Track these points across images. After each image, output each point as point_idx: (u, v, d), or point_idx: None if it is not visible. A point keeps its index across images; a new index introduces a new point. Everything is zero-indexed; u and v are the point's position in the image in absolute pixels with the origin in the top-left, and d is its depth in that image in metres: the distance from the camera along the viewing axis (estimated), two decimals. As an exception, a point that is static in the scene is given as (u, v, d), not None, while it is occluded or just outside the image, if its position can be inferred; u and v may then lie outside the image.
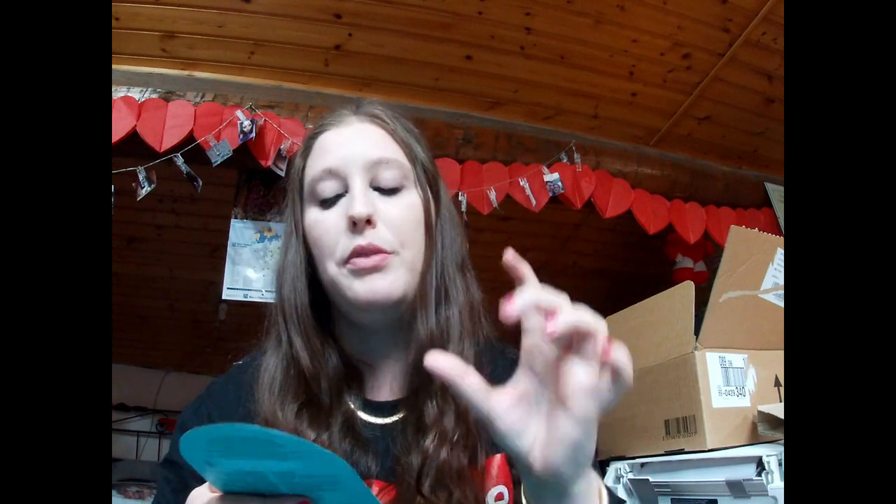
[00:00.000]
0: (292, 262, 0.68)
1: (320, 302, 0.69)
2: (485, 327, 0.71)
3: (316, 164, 0.68)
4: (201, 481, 0.47)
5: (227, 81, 2.09)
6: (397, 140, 0.70)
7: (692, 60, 2.25)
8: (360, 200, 0.64)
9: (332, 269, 0.65)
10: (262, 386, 0.65)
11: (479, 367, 0.66)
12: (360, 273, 0.63)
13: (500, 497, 0.64)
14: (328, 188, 0.67)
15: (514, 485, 0.65)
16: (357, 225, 0.63)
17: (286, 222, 0.72)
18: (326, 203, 0.67)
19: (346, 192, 0.66)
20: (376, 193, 0.67)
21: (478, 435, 0.63)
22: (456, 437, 0.62)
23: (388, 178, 0.67)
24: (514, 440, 0.44)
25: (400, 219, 0.66)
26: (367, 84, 2.21)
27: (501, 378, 0.69)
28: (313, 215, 0.67)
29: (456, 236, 0.72)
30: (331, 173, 0.66)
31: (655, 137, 2.56)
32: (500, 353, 0.71)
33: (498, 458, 0.65)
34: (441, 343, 0.64)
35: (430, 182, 0.71)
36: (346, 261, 0.64)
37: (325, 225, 0.66)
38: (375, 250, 0.63)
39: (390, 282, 0.64)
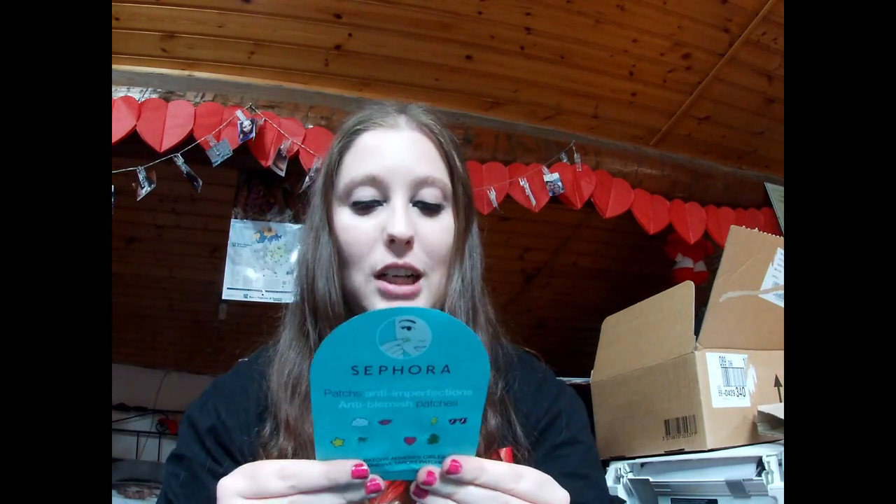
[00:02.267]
0: (327, 260, 0.66)
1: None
2: (500, 336, 0.72)
3: (358, 167, 0.66)
4: (212, 474, 0.46)
5: (227, 81, 2.08)
6: (443, 155, 0.69)
7: (692, 60, 2.25)
8: (403, 221, 0.63)
9: (358, 279, 0.65)
10: (282, 384, 0.63)
11: (496, 381, 0.67)
12: (388, 296, 0.64)
13: None
14: (366, 194, 0.65)
15: None
16: (396, 243, 0.63)
17: (313, 213, 0.70)
18: (361, 207, 0.66)
19: (385, 200, 0.65)
20: (416, 210, 0.66)
21: (492, 428, 0.63)
22: None
23: (430, 195, 0.66)
24: None
25: (436, 241, 0.65)
26: (367, 84, 2.21)
27: (516, 386, 0.69)
28: (346, 218, 0.66)
29: (480, 252, 0.72)
30: (374, 181, 0.65)
31: (655, 137, 2.56)
32: (512, 358, 0.71)
33: (504, 451, 0.65)
34: None
35: (467, 203, 0.70)
36: (376, 274, 0.64)
37: (357, 233, 0.65)
38: (409, 270, 0.63)
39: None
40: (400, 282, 0.64)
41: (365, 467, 0.44)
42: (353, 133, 0.69)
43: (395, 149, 0.66)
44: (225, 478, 0.46)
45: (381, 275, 0.64)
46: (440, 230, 0.66)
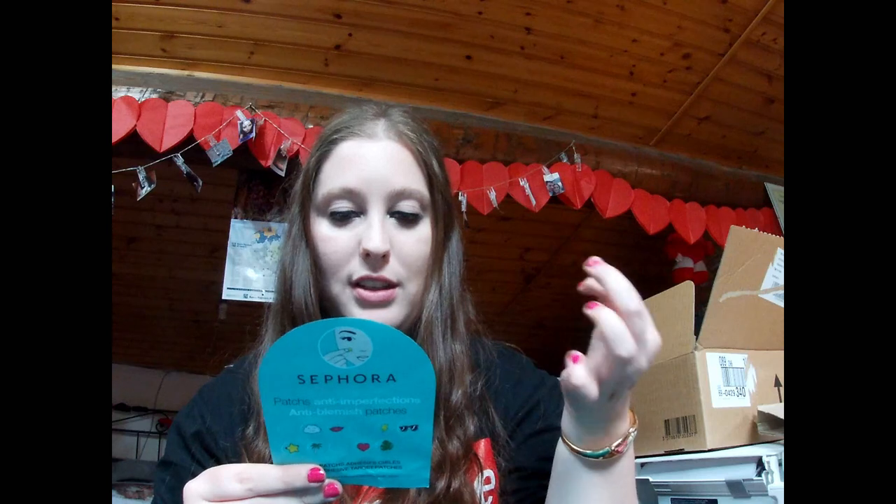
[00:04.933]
0: (304, 270, 0.67)
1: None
2: (481, 335, 0.72)
3: (335, 179, 0.66)
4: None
5: (227, 81, 2.08)
6: (421, 164, 0.68)
7: (692, 60, 2.25)
8: (379, 236, 0.63)
9: (336, 288, 0.66)
10: None
11: (475, 381, 0.67)
12: (364, 304, 0.64)
13: (487, 481, 0.65)
14: (343, 206, 0.66)
15: (499, 470, 0.66)
16: (371, 257, 0.63)
17: (292, 222, 0.71)
18: (338, 218, 0.66)
19: (362, 212, 0.65)
20: (392, 221, 0.66)
21: (471, 433, 0.64)
22: (452, 426, 0.63)
23: (407, 206, 0.66)
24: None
25: (413, 253, 0.66)
26: (367, 84, 2.21)
27: (496, 382, 0.69)
28: (324, 229, 0.66)
29: (460, 258, 0.72)
30: (350, 194, 0.65)
31: (655, 137, 2.56)
32: (492, 354, 0.72)
33: (483, 443, 0.66)
34: (448, 377, 0.65)
35: (446, 211, 0.70)
36: (352, 284, 0.65)
37: (335, 244, 0.65)
38: (384, 282, 0.64)
39: (392, 315, 0.65)
40: (377, 289, 0.65)
41: (321, 471, 0.45)
42: (331, 142, 0.68)
43: (372, 160, 0.66)
44: (191, 481, 0.47)
45: (358, 283, 0.65)
46: (416, 242, 0.66)
